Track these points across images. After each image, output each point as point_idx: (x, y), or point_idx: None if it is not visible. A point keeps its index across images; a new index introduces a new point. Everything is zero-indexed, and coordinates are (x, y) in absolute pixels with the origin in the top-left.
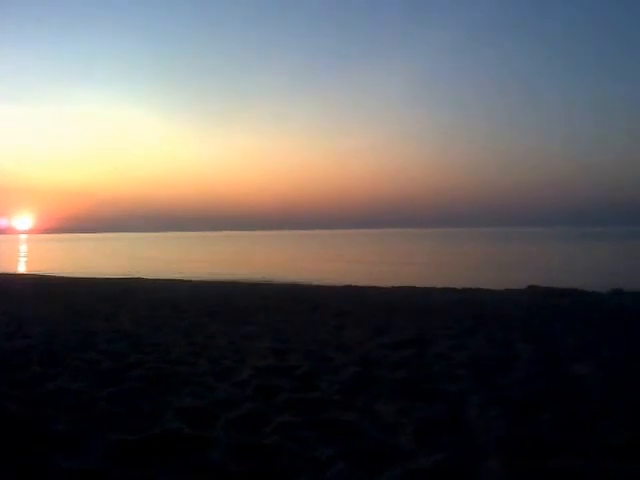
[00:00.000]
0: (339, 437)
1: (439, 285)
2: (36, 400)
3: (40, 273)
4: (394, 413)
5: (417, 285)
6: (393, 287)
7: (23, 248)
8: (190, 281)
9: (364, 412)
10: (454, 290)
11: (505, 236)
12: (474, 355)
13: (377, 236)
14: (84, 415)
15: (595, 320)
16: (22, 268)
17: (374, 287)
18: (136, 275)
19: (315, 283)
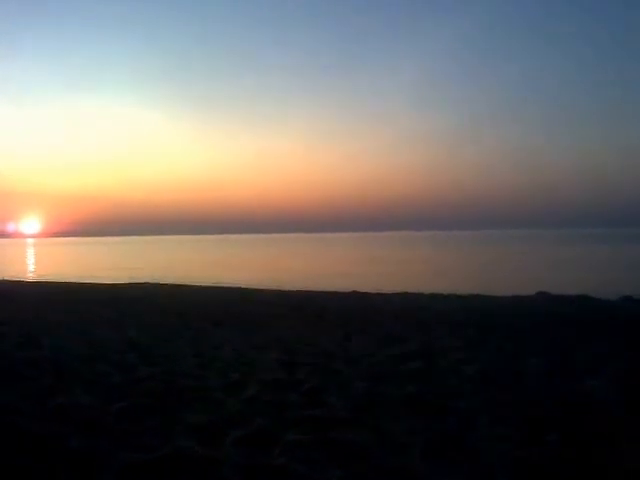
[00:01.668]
0: (348, 458)
1: (445, 291)
2: (48, 415)
3: (48, 279)
4: (403, 432)
5: (424, 291)
6: (399, 293)
7: (31, 253)
8: (194, 286)
9: (373, 431)
10: (460, 297)
11: (509, 239)
12: (483, 369)
13: (383, 239)
14: (95, 432)
15: (607, 329)
16: (31, 274)
17: (379, 294)
18: (142, 280)
19: (320, 289)
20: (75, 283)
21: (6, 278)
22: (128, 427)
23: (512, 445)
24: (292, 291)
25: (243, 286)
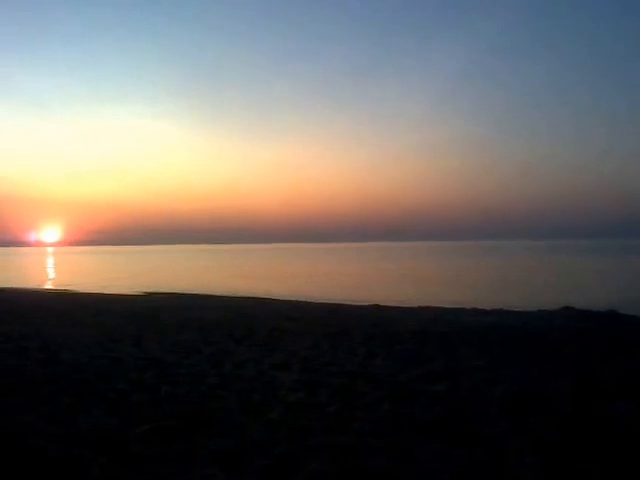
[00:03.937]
0: None
1: (466, 304)
2: (69, 438)
3: (68, 289)
4: (430, 459)
5: (445, 305)
6: (421, 307)
7: (51, 262)
8: (213, 296)
9: (399, 458)
10: (484, 312)
11: (512, 249)
12: (509, 391)
13: (394, 250)
14: (118, 458)
15: (635, 349)
16: (50, 283)
17: (401, 308)
18: (160, 290)
19: (340, 301)
20: (94, 294)
21: (29, 287)
22: (149, 452)
23: (540, 474)
24: (312, 303)
25: (261, 296)
